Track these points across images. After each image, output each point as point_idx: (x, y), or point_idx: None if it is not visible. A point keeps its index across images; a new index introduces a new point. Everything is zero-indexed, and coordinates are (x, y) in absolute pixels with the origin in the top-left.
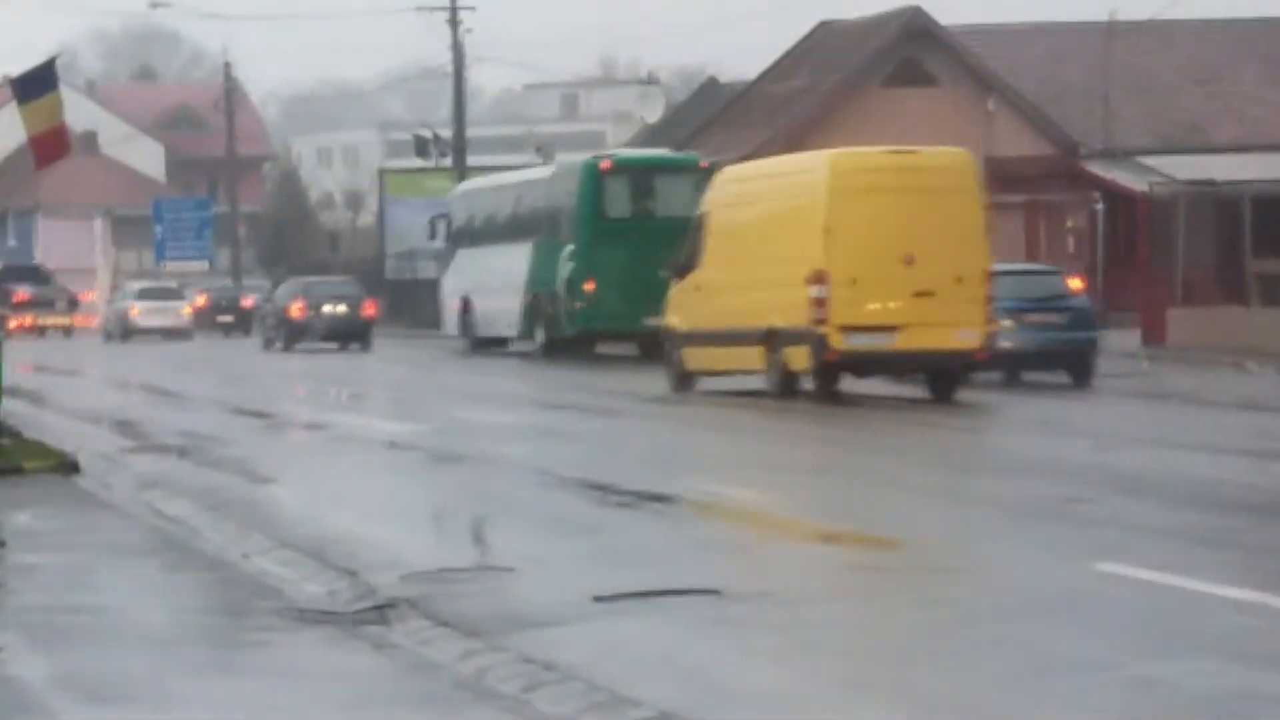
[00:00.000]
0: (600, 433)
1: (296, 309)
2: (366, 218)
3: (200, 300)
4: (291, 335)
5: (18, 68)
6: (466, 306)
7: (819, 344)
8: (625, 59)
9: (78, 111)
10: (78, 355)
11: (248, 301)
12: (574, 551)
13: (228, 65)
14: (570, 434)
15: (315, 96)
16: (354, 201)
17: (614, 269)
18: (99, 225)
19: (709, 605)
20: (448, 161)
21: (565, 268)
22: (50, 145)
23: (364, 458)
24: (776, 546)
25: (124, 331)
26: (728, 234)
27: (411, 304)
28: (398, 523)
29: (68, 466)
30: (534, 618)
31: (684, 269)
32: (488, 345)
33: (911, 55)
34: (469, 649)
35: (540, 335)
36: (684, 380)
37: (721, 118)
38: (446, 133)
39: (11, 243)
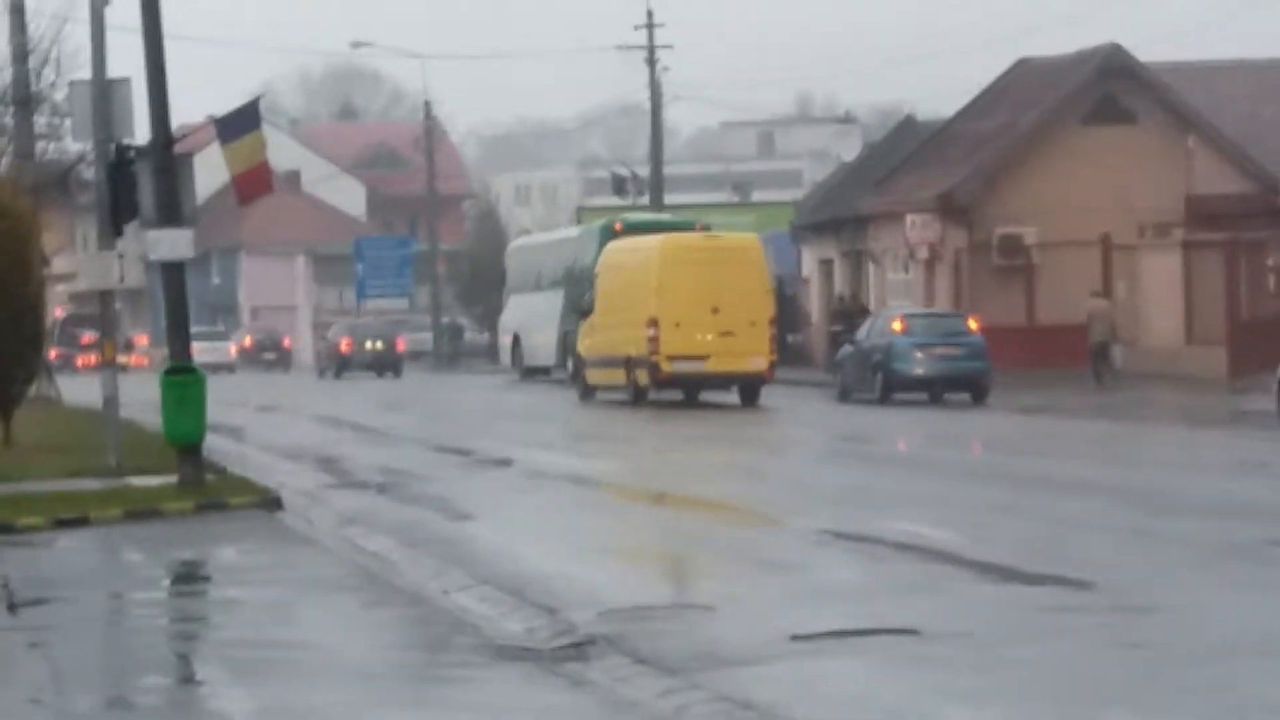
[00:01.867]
0: (784, 472)
1: (345, 344)
2: None
3: (246, 340)
4: (340, 366)
5: (223, 109)
6: (516, 342)
7: (654, 367)
8: (822, 96)
9: (280, 151)
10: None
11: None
12: (771, 589)
13: (428, 104)
14: (762, 472)
15: (514, 135)
16: None
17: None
18: (301, 263)
19: (907, 645)
20: (645, 199)
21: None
22: (253, 183)
23: (557, 495)
24: (971, 585)
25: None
26: (606, 290)
27: None
28: (595, 560)
29: (271, 502)
30: (731, 656)
31: (586, 313)
32: (533, 373)
33: (1110, 93)
34: (667, 687)
35: (570, 364)
36: (586, 391)
37: (918, 155)
38: (644, 170)
39: (216, 280)
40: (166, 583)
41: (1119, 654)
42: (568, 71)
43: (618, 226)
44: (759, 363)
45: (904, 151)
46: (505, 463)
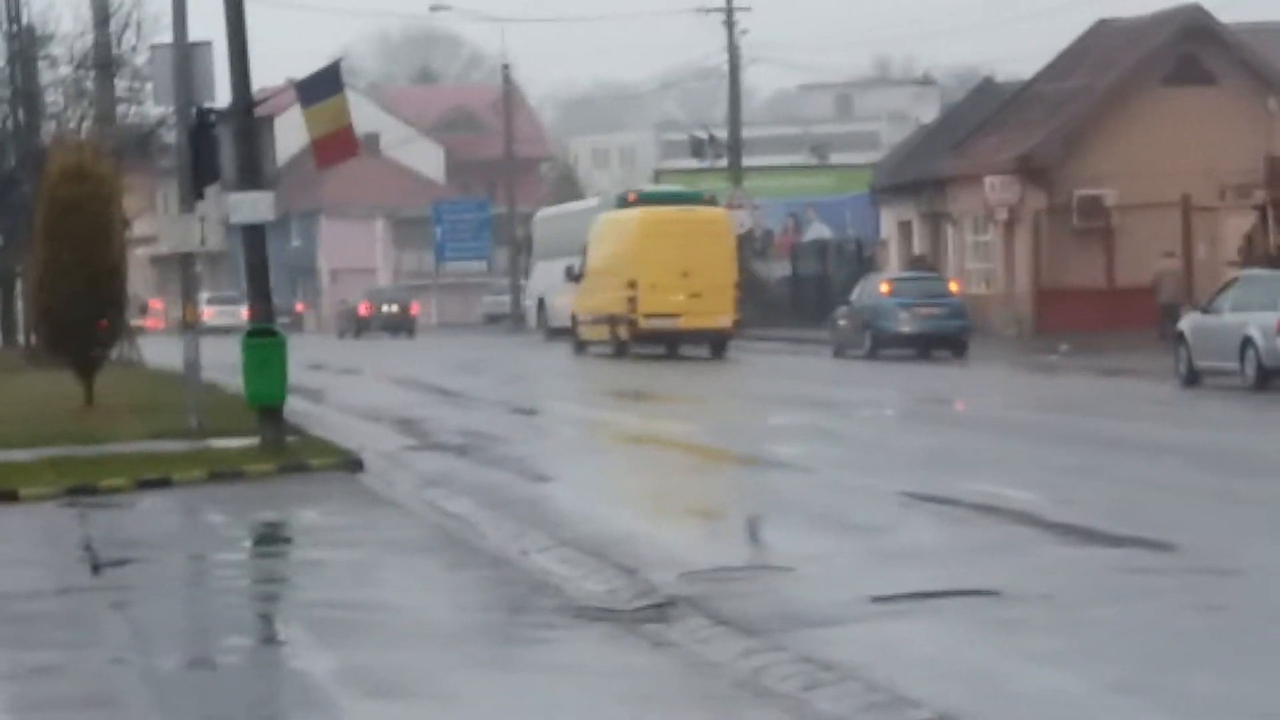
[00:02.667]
0: (862, 435)
1: (364, 308)
2: None
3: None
4: (359, 327)
5: (302, 72)
6: (541, 305)
7: (632, 324)
8: (900, 58)
9: (360, 114)
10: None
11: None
12: (852, 551)
13: (506, 67)
14: (836, 433)
15: (592, 97)
16: None
17: None
18: (380, 226)
19: (987, 606)
20: (723, 162)
21: None
22: (336, 146)
23: (640, 456)
24: (1052, 547)
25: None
26: (595, 258)
27: None
28: (674, 520)
29: (352, 464)
30: (812, 617)
31: (578, 277)
32: (556, 334)
33: (1190, 54)
34: (747, 648)
35: None
36: (579, 346)
37: (997, 118)
38: (722, 133)
39: (295, 243)
40: (248, 544)
41: (1199, 616)
42: (646, 34)
43: (631, 197)
44: (724, 320)
45: (983, 113)
46: (581, 423)
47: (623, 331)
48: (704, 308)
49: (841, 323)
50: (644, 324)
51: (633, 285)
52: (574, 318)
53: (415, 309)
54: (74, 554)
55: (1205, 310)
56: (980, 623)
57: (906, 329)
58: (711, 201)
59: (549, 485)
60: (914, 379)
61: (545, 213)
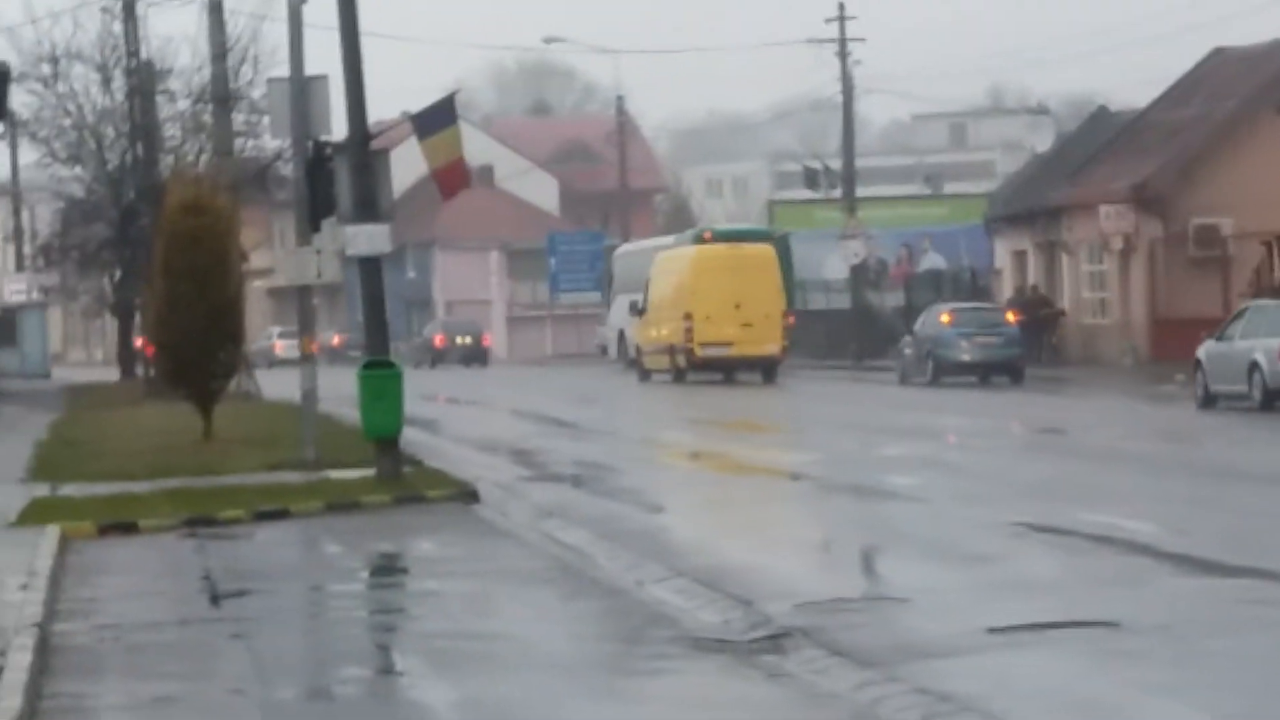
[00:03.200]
0: (981, 465)
1: (439, 340)
2: None
3: (335, 339)
4: (435, 358)
5: (417, 105)
6: (621, 337)
7: (690, 353)
8: (1014, 87)
9: (474, 146)
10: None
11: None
12: (967, 581)
13: (620, 99)
14: (947, 463)
15: (706, 128)
16: None
17: None
18: (494, 258)
19: (1105, 637)
20: (837, 193)
21: None
22: (451, 178)
23: (752, 487)
24: (1169, 579)
25: (269, 362)
26: (655, 292)
27: (804, 334)
28: (788, 551)
29: (467, 495)
30: (928, 648)
31: (641, 312)
32: (634, 364)
33: None
34: (864, 679)
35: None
36: (644, 375)
37: (1112, 146)
38: (836, 164)
39: (411, 274)
40: (365, 574)
41: None
42: (759, 65)
43: (707, 235)
44: (773, 348)
45: (1098, 142)
46: (695, 455)
47: (681, 360)
48: (754, 337)
49: (906, 351)
50: (700, 353)
51: (689, 317)
52: (638, 348)
53: (488, 340)
54: (193, 585)
55: (1219, 338)
56: (1097, 654)
57: (966, 357)
58: (783, 240)
59: (663, 516)
60: (1022, 408)
61: (625, 248)
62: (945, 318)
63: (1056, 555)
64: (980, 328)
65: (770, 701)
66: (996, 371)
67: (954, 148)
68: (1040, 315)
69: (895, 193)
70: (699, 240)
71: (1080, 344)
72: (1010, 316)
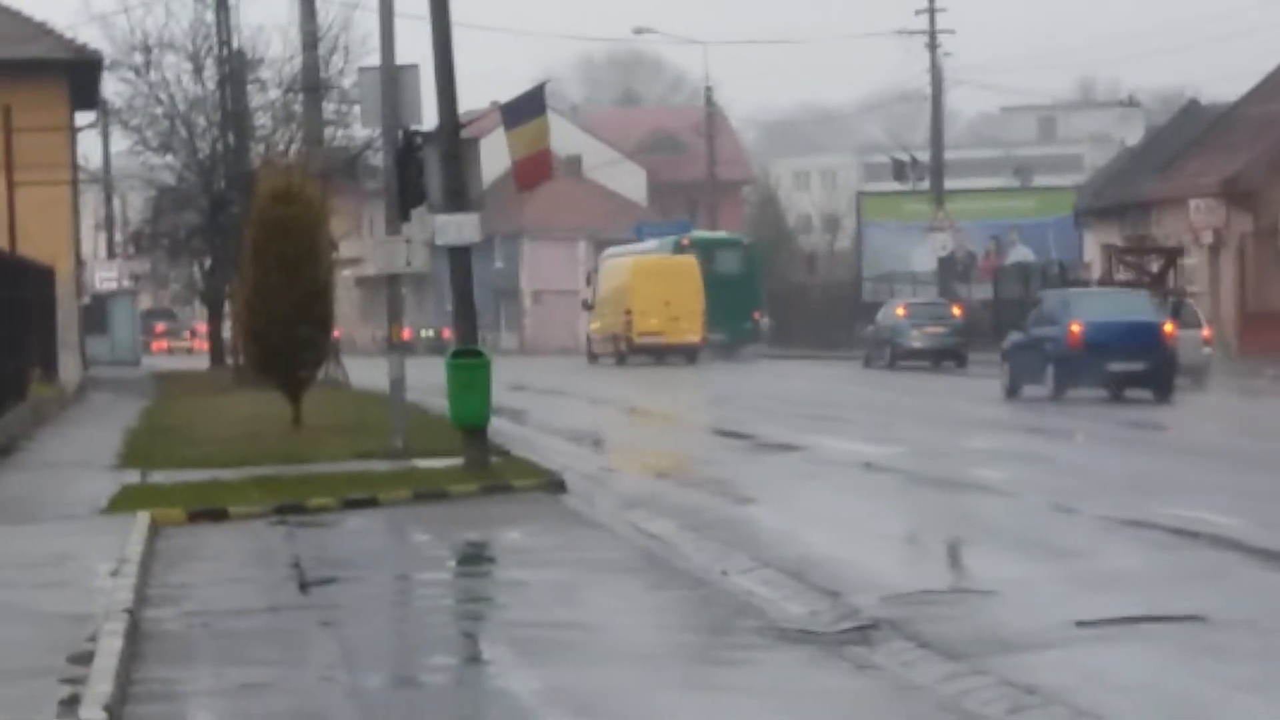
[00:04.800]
0: (1059, 458)
1: (446, 331)
2: (844, 240)
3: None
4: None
5: (506, 95)
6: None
7: (629, 340)
8: (1104, 80)
9: (563, 136)
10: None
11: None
12: (1054, 575)
13: (708, 90)
14: (1033, 456)
15: (793, 120)
16: (831, 224)
17: None
18: (582, 248)
19: (1192, 632)
20: (925, 185)
21: None
22: (534, 168)
23: (839, 479)
24: (1257, 573)
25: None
26: (602, 291)
27: None
28: (876, 544)
29: (554, 485)
30: (1015, 641)
31: (590, 308)
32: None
33: None
34: (951, 671)
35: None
36: (592, 357)
37: (1202, 140)
38: (924, 156)
39: (499, 264)
40: (452, 563)
41: None
42: (848, 57)
43: (684, 241)
44: (694, 337)
45: (1188, 136)
46: (789, 448)
47: (622, 346)
48: (680, 328)
49: (870, 341)
50: (637, 340)
51: (629, 312)
52: (589, 337)
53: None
54: (282, 572)
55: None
56: (1185, 648)
57: (919, 344)
58: (749, 249)
59: (749, 507)
60: (1111, 403)
61: (611, 251)
62: (900, 310)
63: (1143, 549)
64: (930, 319)
65: (857, 693)
66: (945, 357)
67: (1043, 140)
68: None
69: (983, 185)
70: (677, 245)
71: None
72: (956, 310)
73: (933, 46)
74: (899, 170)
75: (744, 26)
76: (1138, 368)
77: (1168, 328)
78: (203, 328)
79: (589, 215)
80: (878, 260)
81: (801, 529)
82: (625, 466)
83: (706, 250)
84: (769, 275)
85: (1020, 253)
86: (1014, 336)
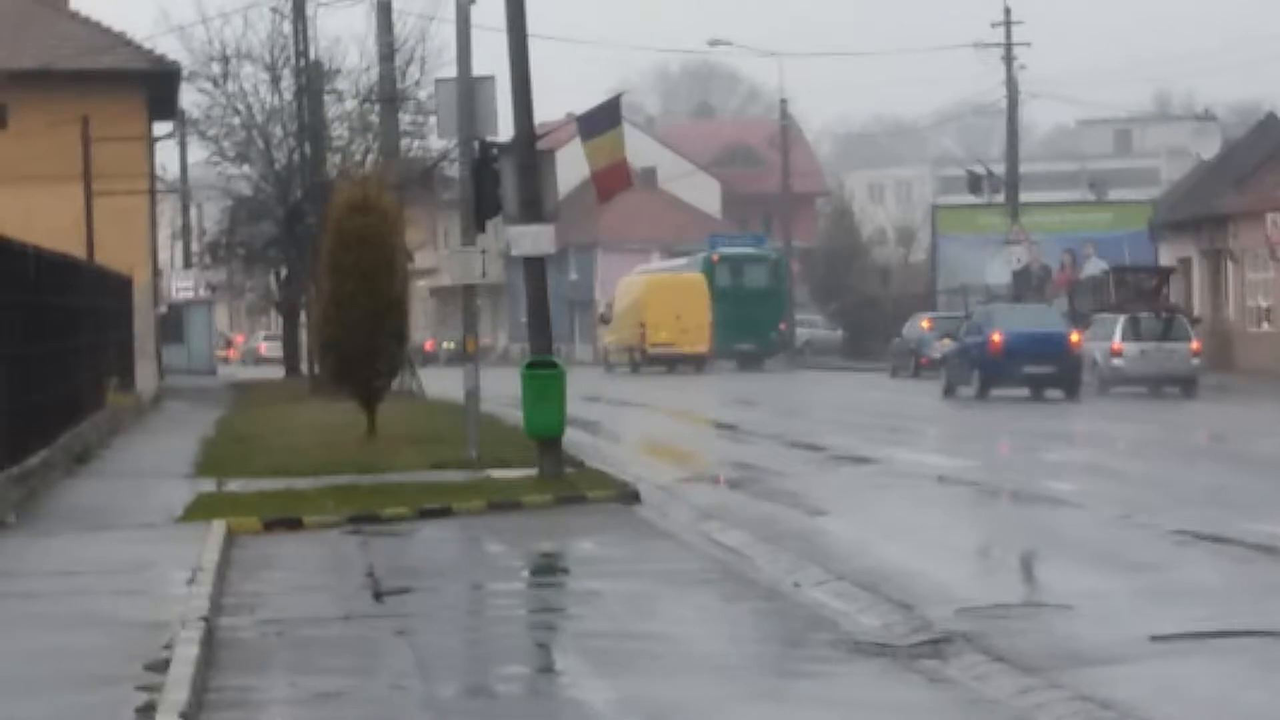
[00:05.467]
0: (1141, 473)
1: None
2: (918, 254)
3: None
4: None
5: (581, 107)
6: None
7: (643, 351)
8: (1181, 93)
9: (638, 148)
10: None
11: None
12: (1128, 588)
13: (784, 102)
14: (1108, 469)
15: (869, 132)
16: (906, 237)
17: (721, 316)
18: (656, 260)
19: (1270, 647)
20: (1000, 198)
21: None
22: (612, 179)
23: (912, 491)
24: None
25: (256, 359)
26: (618, 307)
27: None
28: (950, 557)
29: (628, 496)
30: (1090, 655)
31: (607, 321)
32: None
33: None
34: (1025, 685)
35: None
36: (609, 367)
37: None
38: (999, 169)
39: (573, 276)
40: (526, 573)
41: None
42: (923, 69)
43: (715, 258)
44: (702, 347)
45: (1265, 149)
46: (864, 460)
47: (637, 356)
48: (689, 340)
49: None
50: (651, 350)
51: (642, 325)
52: (605, 348)
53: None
54: (357, 581)
55: None
56: (1262, 664)
57: (936, 355)
58: (776, 263)
59: (823, 519)
60: (1189, 416)
61: (642, 268)
62: (925, 324)
63: (1219, 564)
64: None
65: (931, 706)
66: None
67: (1118, 154)
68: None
69: (1059, 198)
70: (708, 261)
71: (1244, 352)
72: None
73: (1009, 59)
74: (974, 183)
75: (819, 39)
76: (1048, 370)
77: (1074, 337)
78: (240, 339)
79: (663, 227)
80: (952, 273)
81: (874, 541)
82: (697, 478)
83: (735, 265)
84: (841, 289)
85: (1095, 266)
86: (950, 345)
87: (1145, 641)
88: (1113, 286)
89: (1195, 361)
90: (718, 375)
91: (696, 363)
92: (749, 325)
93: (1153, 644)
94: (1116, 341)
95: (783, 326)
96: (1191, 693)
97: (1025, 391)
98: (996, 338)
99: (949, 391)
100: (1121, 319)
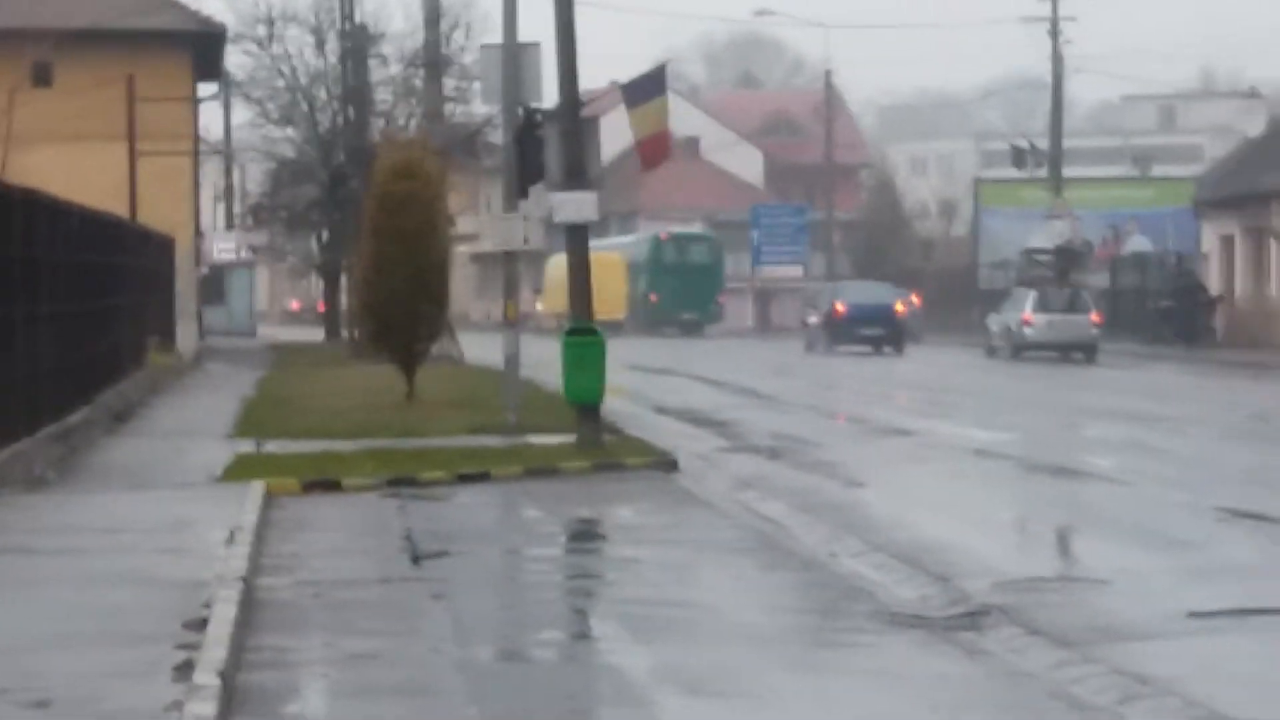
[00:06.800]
0: (1187, 453)
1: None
2: (960, 227)
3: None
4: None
5: (625, 75)
6: None
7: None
8: (1226, 70)
9: (682, 117)
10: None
11: None
12: (1166, 565)
13: (828, 73)
14: (1148, 446)
15: (913, 105)
16: (948, 210)
17: (667, 288)
18: (698, 230)
19: None
20: (1043, 172)
21: (645, 287)
22: (656, 148)
23: (951, 464)
24: None
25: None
26: (550, 280)
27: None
28: (988, 530)
29: (667, 464)
30: (1127, 630)
31: (539, 292)
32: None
33: None
34: (1061, 659)
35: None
36: (540, 332)
37: None
38: (1043, 143)
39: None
40: (563, 540)
41: None
42: (968, 42)
43: (663, 236)
44: (619, 315)
45: None
46: (904, 432)
47: (564, 321)
48: (607, 309)
49: (811, 321)
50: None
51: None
52: (536, 316)
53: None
54: (394, 544)
55: None
56: None
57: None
58: (714, 243)
59: (861, 490)
60: (1232, 394)
61: (598, 242)
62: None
63: (1259, 541)
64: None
65: (967, 678)
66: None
67: (1163, 130)
68: (1200, 301)
69: (1102, 174)
70: (655, 240)
71: None
72: (899, 307)
73: (1054, 34)
74: (1018, 157)
75: (865, 10)
76: (878, 332)
77: (899, 306)
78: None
79: (705, 196)
80: (994, 247)
81: (911, 513)
82: (734, 446)
83: (682, 244)
84: (884, 261)
85: (1138, 242)
86: (811, 313)
87: (1183, 617)
88: (1028, 264)
89: (1094, 331)
90: (640, 340)
91: (614, 327)
92: (691, 297)
93: (1190, 620)
94: (1027, 312)
95: (720, 299)
96: (1230, 669)
97: (866, 348)
98: (840, 306)
99: (810, 349)
100: (1032, 293)
